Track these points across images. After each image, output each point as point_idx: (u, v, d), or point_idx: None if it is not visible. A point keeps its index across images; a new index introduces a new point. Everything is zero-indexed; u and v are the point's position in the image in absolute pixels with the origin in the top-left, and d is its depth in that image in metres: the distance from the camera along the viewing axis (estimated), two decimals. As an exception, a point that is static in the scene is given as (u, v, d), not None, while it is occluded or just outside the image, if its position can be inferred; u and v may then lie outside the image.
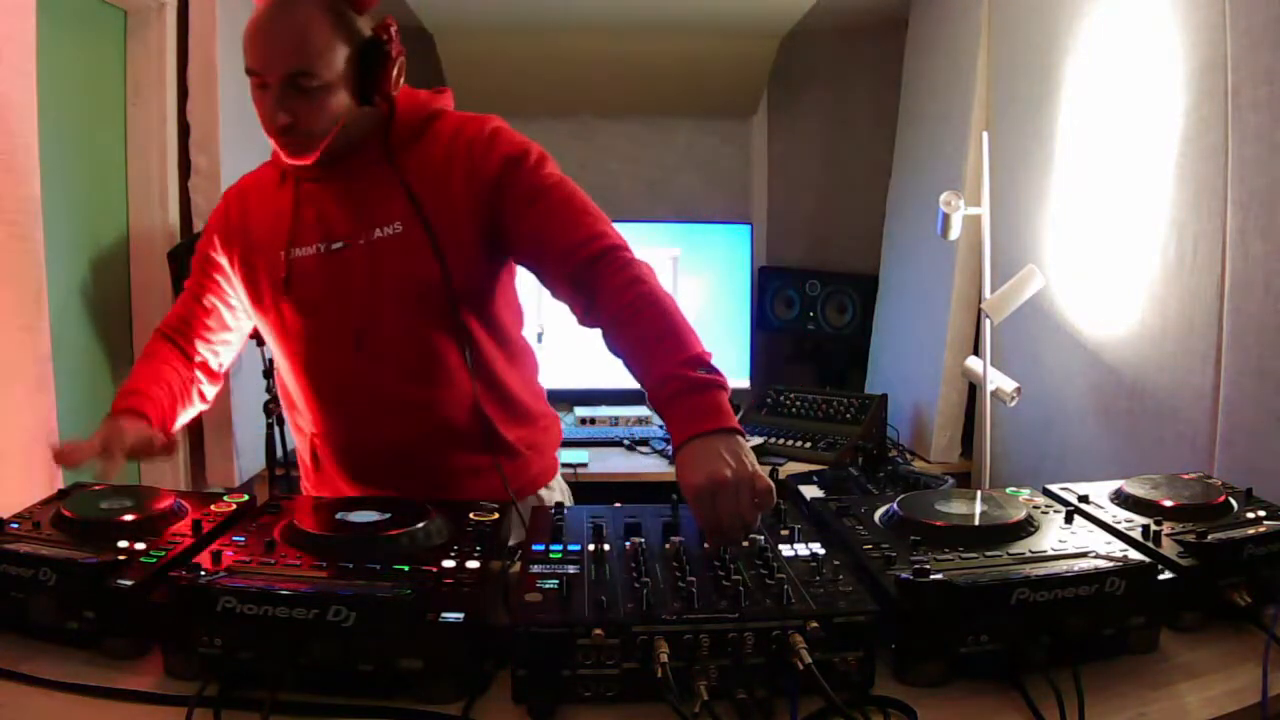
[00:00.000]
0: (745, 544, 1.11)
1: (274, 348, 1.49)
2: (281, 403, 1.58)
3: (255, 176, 1.51)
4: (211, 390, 1.56)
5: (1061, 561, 1.05)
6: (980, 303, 2.46)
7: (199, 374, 1.53)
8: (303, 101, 1.27)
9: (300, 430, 1.54)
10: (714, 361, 1.21)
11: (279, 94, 1.27)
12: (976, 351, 2.60)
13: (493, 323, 1.45)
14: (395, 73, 1.34)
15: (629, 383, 1.30)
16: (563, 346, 3.10)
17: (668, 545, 1.10)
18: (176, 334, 1.52)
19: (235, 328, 1.56)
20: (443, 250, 1.35)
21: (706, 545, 1.11)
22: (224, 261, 1.49)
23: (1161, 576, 1.05)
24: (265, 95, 1.28)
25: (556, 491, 1.62)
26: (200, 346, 1.53)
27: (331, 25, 1.27)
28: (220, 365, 1.57)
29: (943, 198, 2.40)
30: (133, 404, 1.36)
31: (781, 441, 3.02)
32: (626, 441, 3.09)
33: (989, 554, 1.09)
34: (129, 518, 1.17)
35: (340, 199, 1.40)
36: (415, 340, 1.40)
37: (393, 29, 1.33)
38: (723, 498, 1.08)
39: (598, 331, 1.32)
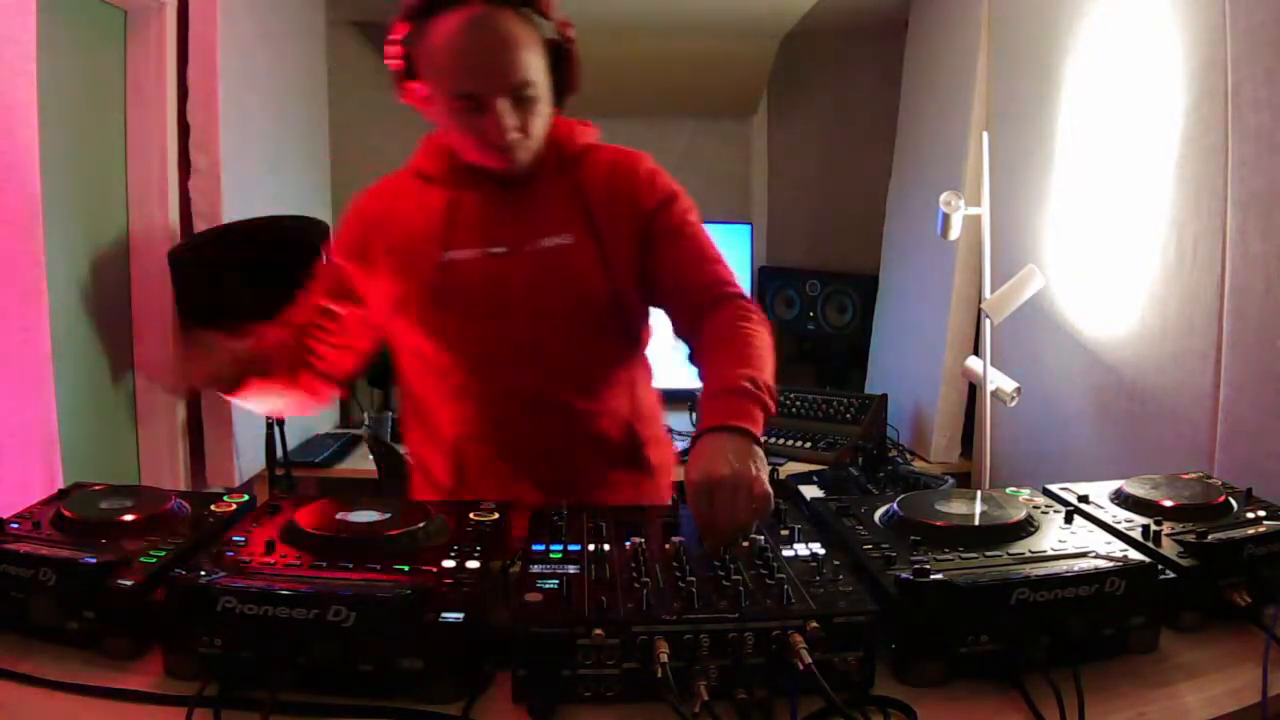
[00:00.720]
0: (744, 544, 1.11)
1: (414, 354, 1.45)
2: (404, 415, 1.54)
3: (389, 183, 1.49)
4: (328, 393, 1.52)
5: (1061, 561, 1.05)
6: (980, 303, 2.46)
7: (316, 366, 1.48)
8: (524, 112, 1.30)
9: (429, 443, 1.50)
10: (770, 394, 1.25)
11: (505, 108, 1.28)
12: (976, 351, 2.60)
13: (638, 343, 1.50)
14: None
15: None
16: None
17: (668, 545, 1.10)
18: (295, 333, 1.48)
19: (360, 336, 1.51)
20: (619, 264, 1.39)
21: (703, 544, 1.11)
22: (362, 269, 1.45)
23: (1161, 576, 1.05)
24: (479, 114, 1.28)
25: None
26: (319, 349, 1.48)
27: (531, 33, 1.30)
28: (340, 372, 1.52)
29: (943, 198, 2.40)
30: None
31: (781, 441, 3.02)
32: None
33: (989, 554, 1.09)
34: (129, 518, 1.16)
35: (505, 205, 1.40)
36: (576, 350, 1.41)
37: (571, 28, 1.36)
38: (719, 495, 1.08)
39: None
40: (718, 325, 1.35)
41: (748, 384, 1.22)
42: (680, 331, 1.42)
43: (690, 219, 1.45)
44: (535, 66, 1.30)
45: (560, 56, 1.35)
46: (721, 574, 1.02)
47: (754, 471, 1.10)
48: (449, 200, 1.41)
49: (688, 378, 1.37)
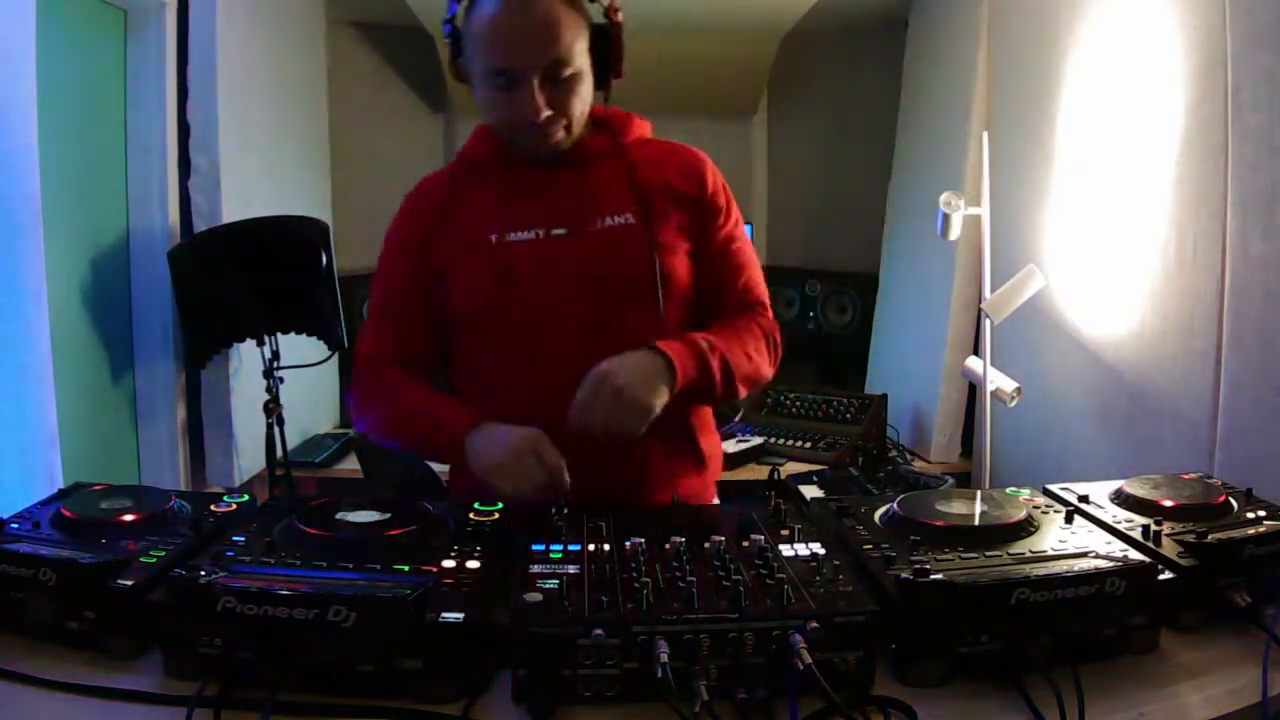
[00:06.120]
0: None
1: (473, 342, 1.45)
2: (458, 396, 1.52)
3: (439, 176, 1.49)
4: None
5: (1061, 561, 1.05)
6: (980, 303, 2.46)
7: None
8: (559, 91, 1.30)
9: None
10: (728, 371, 1.33)
11: (537, 87, 1.28)
12: (976, 351, 2.60)
13: (692, 328, 1.46)
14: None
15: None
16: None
17: (668, 545, 1.10)
18: (404, 363, 1.46)
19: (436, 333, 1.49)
20: (672, 247, 1.41)
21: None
22: (422, 262, 1.43)
23: (1161, 576, 1.04)
24: (513, 92, 1.29)
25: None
26: (427, 362, 1.49)
27: (572, 13, 1.30)
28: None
29: (943, 198, 2.40)
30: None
31: (781, 441, 3.02)
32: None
33: (989, 554, 1.08)
34: (129, 518, 1.16)
35: (561, 187, 1.40)
36: (636, 330, 1.37)
37: (619, 12, 1.36)
38: (603, 392, 1.21)
39: None
40: (724, 319, 1.42)
41: (703, 342, 1.30)
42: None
43: (739, 229, 1.49)
44: (574, 48, 1.29)
45: (606, 38, 1.35)
46: (721, 574, 1.02)
47: (645, 390, 1.22)
48: (504, 184, 1.41)
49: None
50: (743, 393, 1.40)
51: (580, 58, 1.31)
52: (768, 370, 1.43)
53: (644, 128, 1.48)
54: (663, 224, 1.41)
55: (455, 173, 1.48)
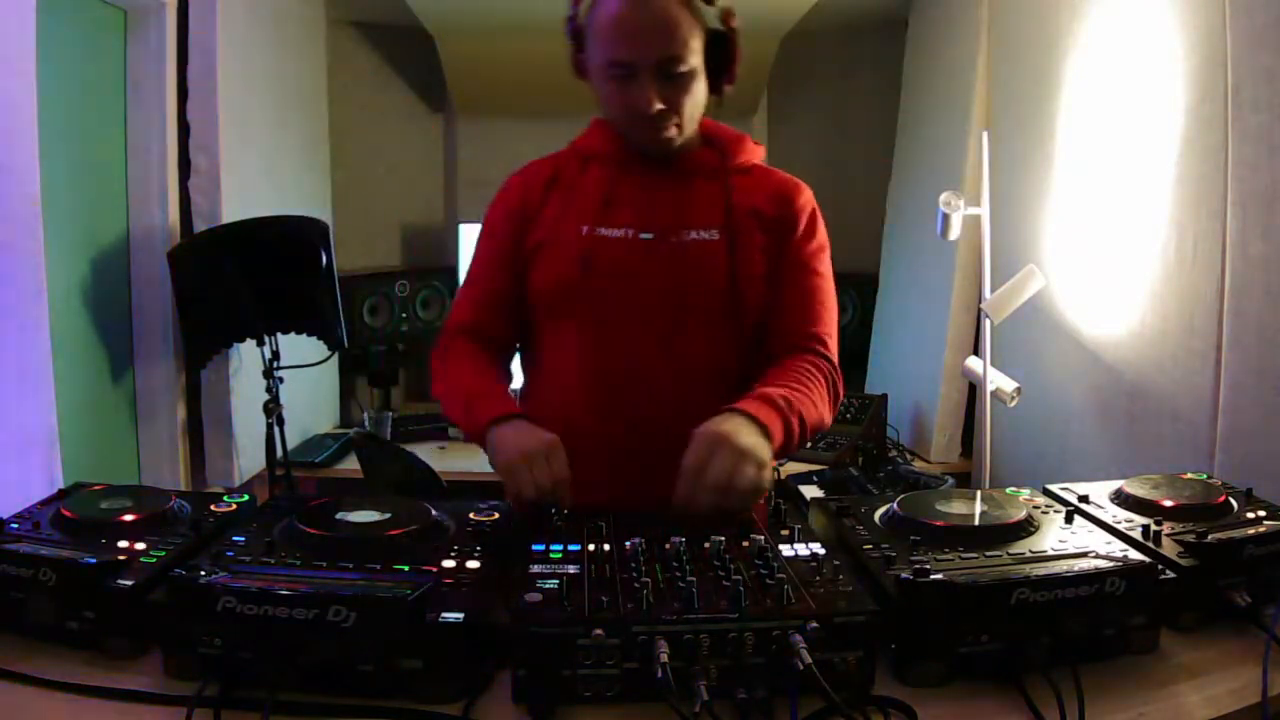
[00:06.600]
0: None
1: (550, 330, 1.47)
2: (523, 396, 1.54)
3: (550, 159, 1.53)
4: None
5: (1061, 561, 1.05)
6: (980, 303, 2.46)
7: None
8: (672, 88, 1.35)
9: (544, 425, 1.43)
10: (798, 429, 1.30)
11: (650, 81, 1.33)
12: (976, 351, 2.60)
13: (757, 351, 1.47)
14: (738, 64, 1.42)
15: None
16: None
17: (668, 545, 1.10)
18: (480, 337, 1.49)
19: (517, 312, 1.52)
20: (751, 269, 1.42)
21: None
22: (515, 240, 1.47)
23: (1162, 576, 1.04)
24: (628, 84, 1.34)
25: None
26: (504, 340, 1.52)
27: (690, 13, 1.35)
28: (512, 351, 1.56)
29: (943, 198, 2.40)
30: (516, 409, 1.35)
31: (781, 441, 3.01)
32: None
33: (989, 554, 1.09)
34: (129, 518, 1.16)
35: (659, 192, 1.44)
36: (705, 344, 1.43)
37: (735, 21, 1.39)
38: (721, 454, 1.14)
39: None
40: (784, 362, 1.39)
41: (782, 401, 1.27)
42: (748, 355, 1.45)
43: (821, 263, 1.49)
44: (689, 47, 1.34)
45: (720, 45, 1.39)
46: (721, 574, 1.02)
47: (762, 461, 1.15)
48: (607, 179, 1.45)
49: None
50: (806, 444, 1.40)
51: (694, 57, 1.35)
52: (829, 418, 1.41)
53: (755, 152, 1.52)
54: (747, 245, 1.43)
55: (563, 160, 1.52)
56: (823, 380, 1.40)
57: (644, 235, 1.42)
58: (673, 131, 1.39)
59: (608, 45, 1.34)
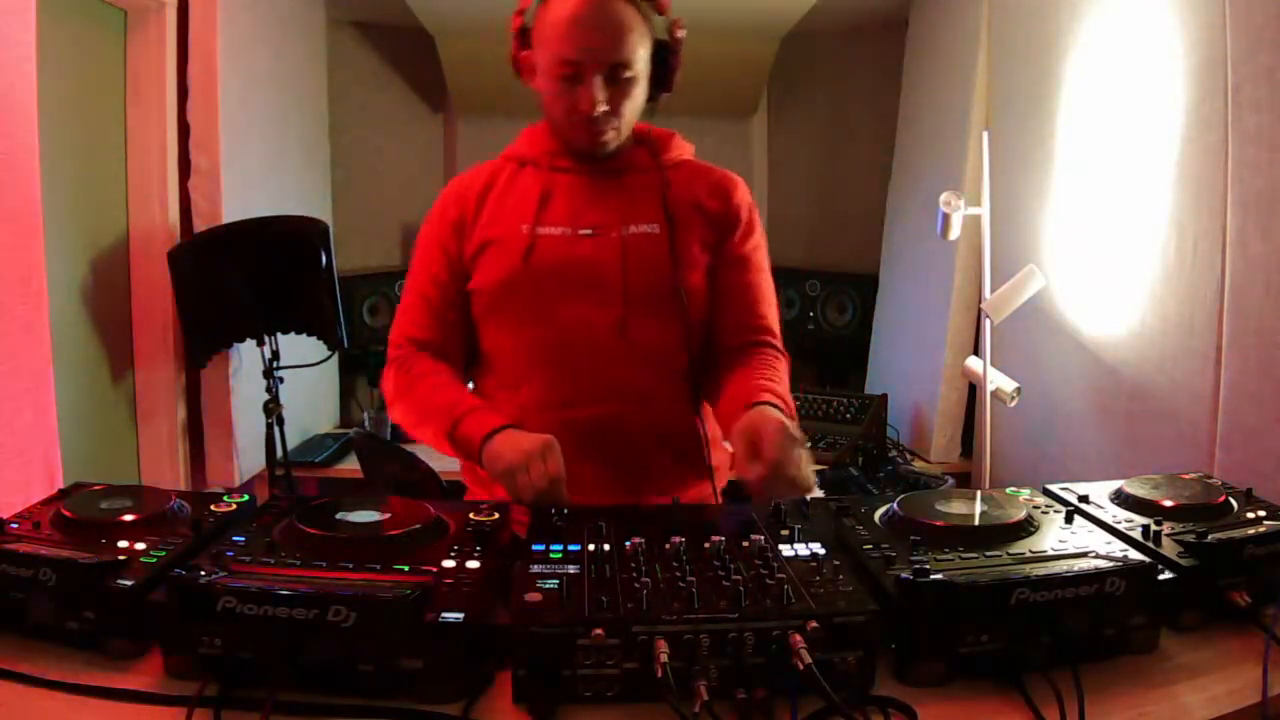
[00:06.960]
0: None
1: (496, 332, 1.48)
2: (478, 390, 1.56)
3: (485, 166, 1.55)
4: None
5: (1061, 561, 1.05)
6: (980, 303, 2.46)
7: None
8: (616, 91, 1.38)
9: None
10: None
11: (597, 83, 1.36)
12: (976, 351, 2.60)
13: (704, 342, 1.52)
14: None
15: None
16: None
17: (668, 545, 1.10)
18: (435, 351, 1.49)
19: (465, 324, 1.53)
20: (693, 261, 1.46)
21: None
22: (457, 244, 1.48)
23: (1162, 576, 1.04)
24: (575, 85, 1.37)
25: None
26: (457, 352, 1.52)
27: (642, 22, 1.38)
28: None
29: (943, 198, 2.40)
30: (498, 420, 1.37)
31: (781, 441, 3.01)
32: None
33: (989, 554, 1.08)
34: (129, 518, 1.16)
35: (596, 191, 1.47)
36: (653, 337, 1.45)
37: (681, 32, 1.43)
38: (796, 449, 1.23)
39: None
40: (751, 356, 1.46)
41: (787, 399, 1.37)
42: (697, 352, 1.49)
43: (761, 258, 1.53)
44: (638, 54, 1.37)
45: (665, 54, 1.43)
46: (721, 574, 1.02)
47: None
48: (543, 181, 1.47)
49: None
50: None
51: (640, 64, 1.39)
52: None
53: (684, 149, 1.55)
54: (687, 238, 1.46)
55: (497, 167, 1.54)
56: (787, 373, 1.47)
57: (583, 232, 1.44)
58: (610, 135, 1.42)
59: (559, 44, 1.35)
